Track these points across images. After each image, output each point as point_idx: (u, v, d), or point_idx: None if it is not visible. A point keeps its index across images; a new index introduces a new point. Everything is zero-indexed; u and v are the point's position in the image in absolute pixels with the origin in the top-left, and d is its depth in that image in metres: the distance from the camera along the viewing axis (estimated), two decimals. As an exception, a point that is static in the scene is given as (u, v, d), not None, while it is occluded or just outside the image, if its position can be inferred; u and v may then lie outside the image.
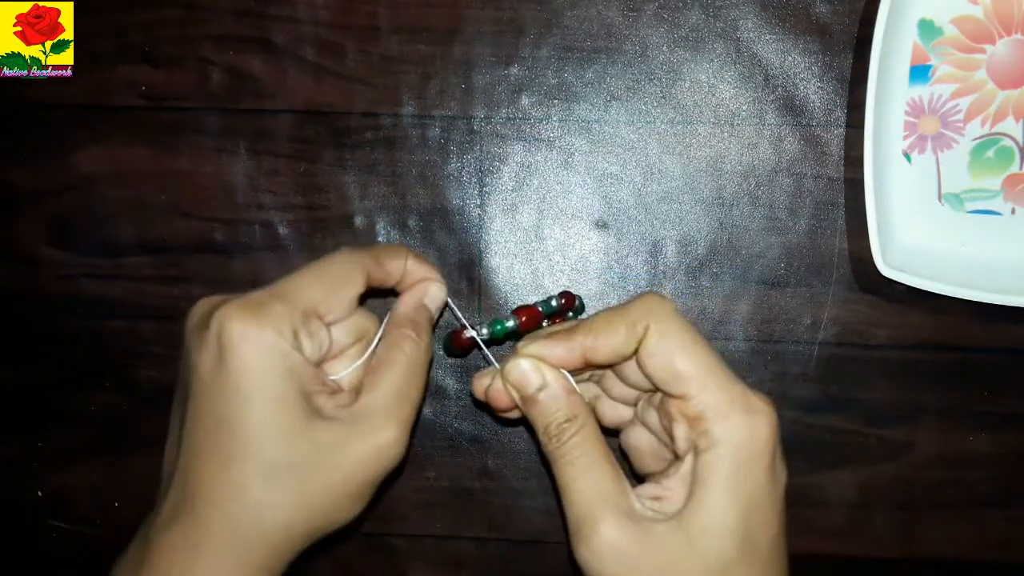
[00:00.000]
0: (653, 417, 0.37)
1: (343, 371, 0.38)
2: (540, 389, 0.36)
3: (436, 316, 0.40)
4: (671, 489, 0.34)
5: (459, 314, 0.41)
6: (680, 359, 0.34)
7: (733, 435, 0.33)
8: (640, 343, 0.34)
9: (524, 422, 0.38)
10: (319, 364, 0.37)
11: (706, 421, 0.33)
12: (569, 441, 0.35)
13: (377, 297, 0.41)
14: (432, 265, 0.40)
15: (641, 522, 0.33)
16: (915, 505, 0.47)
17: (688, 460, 0.34)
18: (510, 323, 0.41)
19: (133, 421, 0.48)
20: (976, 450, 0.47)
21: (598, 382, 0.40)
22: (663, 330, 0.34)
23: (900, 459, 0.47)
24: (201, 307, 0.36)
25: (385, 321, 0.39)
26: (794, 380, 0.47)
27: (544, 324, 0.42)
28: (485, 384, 0.38)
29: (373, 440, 0.35)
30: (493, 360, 0.39)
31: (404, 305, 0.39)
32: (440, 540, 0.48)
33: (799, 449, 0.47)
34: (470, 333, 0.41)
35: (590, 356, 0.36)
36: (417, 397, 0.37)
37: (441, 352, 0.47)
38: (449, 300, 0.41)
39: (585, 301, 0.46)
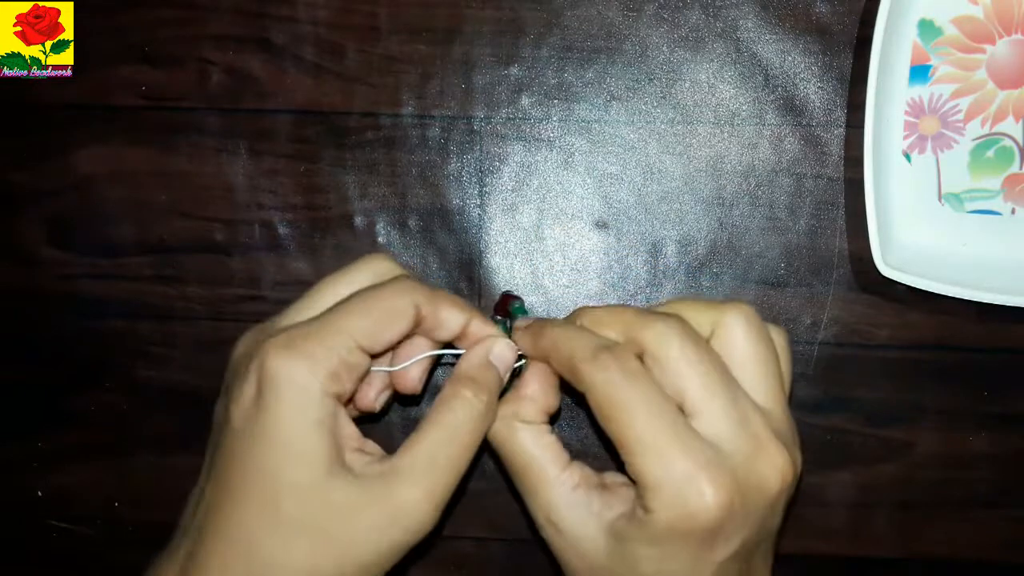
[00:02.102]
0: None
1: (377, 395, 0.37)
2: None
3: (505, 379, 0.37)
4: (619, 499, 0.34)
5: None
6: (623, 420, 0.32)
7: (664, 512, 0.31)
8: (586, 392, 0.33)
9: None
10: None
11: (642, 488, 0.31)
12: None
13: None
14: (496, 328, 0.37)
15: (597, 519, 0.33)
16: (915, 505, 0.47)
17: (631, 497, 0.33)
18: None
19: (133, 421, 0.48)
20: (976, 450, 0.47)
21: None
22: (612, 384, 0.32)
23: (900, 459, 0.47)
24: (247, 340, 0.35)
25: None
26: (794, 380, 0.47)
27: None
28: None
29: (390, 504, 0.32)
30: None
31: (466, 361, 0.36)
32: (440, 540, 0.48)
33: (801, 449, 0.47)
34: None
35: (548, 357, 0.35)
36: (457, 464, 0.34)
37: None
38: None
39: (584, 302, 0.46)
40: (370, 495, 0.32)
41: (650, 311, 0.34)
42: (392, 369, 0.37)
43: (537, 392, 0.35)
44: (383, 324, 0.34)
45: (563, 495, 0.34)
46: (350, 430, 0.34)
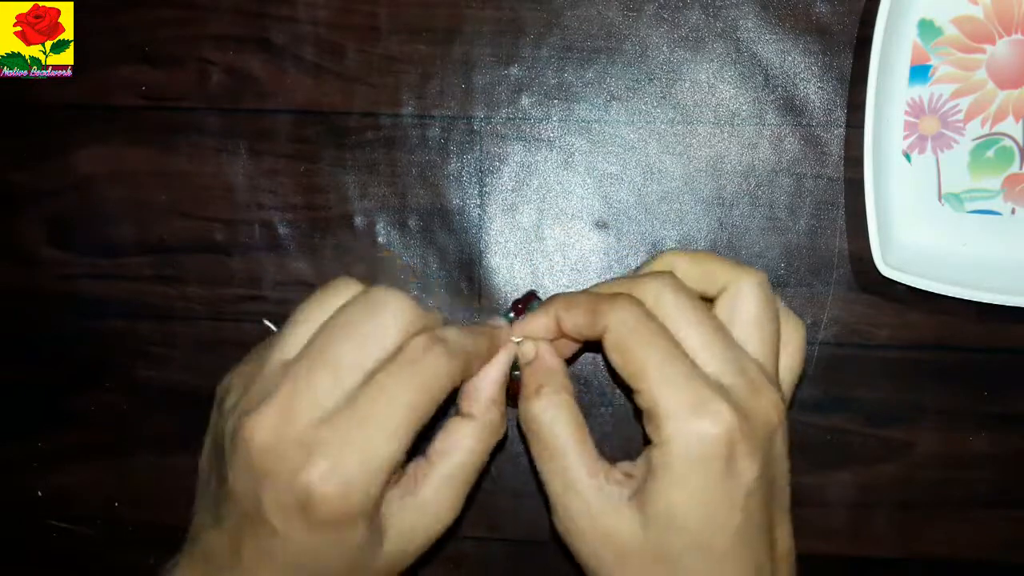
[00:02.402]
0: None
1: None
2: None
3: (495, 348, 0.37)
4: (638, 468, 0.34)
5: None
6: (636, 357, 0.33)
7: (679, 437, 0.32)
8: (604, 333, 0.34)
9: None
10: None
11: (656, 418, 0.33)
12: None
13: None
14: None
15: (610, 501, 0.34)
16: (915, 505, 0.47)
17: (645, 450, 0.34)
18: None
19: (133, 421, 0.48)
20: (976, 450, 0.47)
21: None
22: (624, 328, 0.34)
23: (900, 459, 0.47)
24: (228, 388, 0.35)
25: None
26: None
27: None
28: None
29: (391, 549, 0.34)
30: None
31: (481, 378, 0.36)
32: (440, 540, 0.48)
33: (799, 449, 0.46)
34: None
35: (562, 326, 0.36)
36: (457, 508, 0.35)
37: None
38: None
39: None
40: (377, 539, 0.33)
41: (644, 274, 0.36)
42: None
43: (554, 366, 0.37)
44: (430, 399, 0.33)
45: (593, 484, 0.34)
46: (392, 495, 0.34)
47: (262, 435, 0.31)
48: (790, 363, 0.37)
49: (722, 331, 0.34)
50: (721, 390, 0.33)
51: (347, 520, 0.31)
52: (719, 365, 0.33)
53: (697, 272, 0.36)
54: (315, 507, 0.30)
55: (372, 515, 0.32)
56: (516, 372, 0.37)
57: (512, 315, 0.39)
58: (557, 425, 0.35)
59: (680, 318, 0.34)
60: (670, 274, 0.36)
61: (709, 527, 0.33)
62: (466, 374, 0.34)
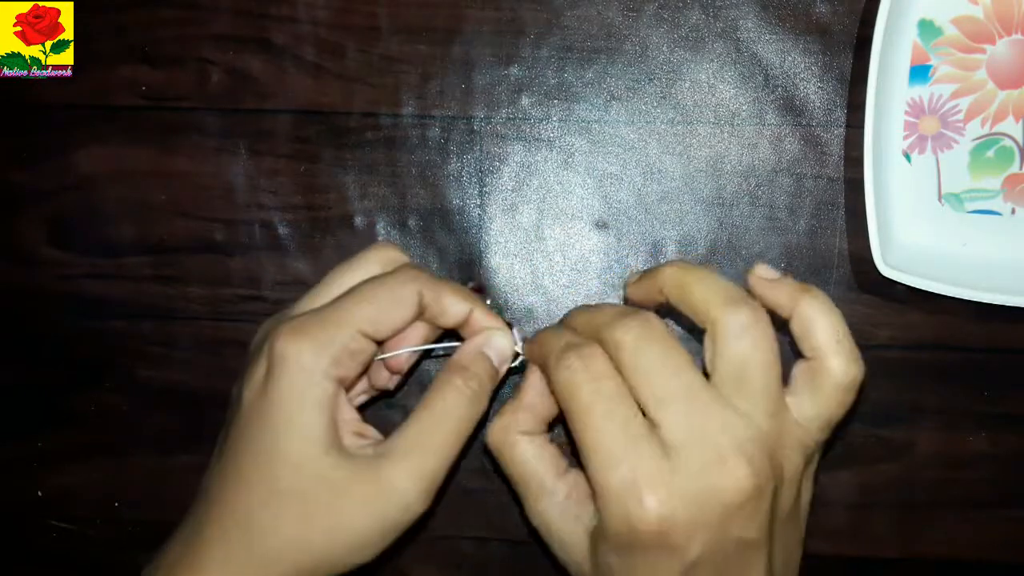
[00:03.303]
0: None
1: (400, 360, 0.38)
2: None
3: (502, 371, 0.37)
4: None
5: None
6: (579, 420, 0.32)
7: (611, 521, 0.31)
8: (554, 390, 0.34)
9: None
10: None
11: (593, 492, 0.32)
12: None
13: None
14: (499, 319, 0.38)
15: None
16: (915, 505, 0.47)
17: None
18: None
19: (133, 421, 0.48)
20: (976, 450, 0.47)
21: None
22: (572, 389, 0.32)
23: (900, 459, 0.47)
24: (264, 327, 0.37)
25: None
26: (794, 380, 0.47)
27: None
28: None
29: (378, 485, 0.34)
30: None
31: (461, 351, 0.37)
32: (440, 540, 0.48)
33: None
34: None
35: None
36: (446, 450, 0.35)
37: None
38: (519, 344, 0.38)
39: (584, 301, 0.46)
40: (361, 474, 0.34)
41: (627, 310, 0.34)
42: (386, 356, 0.38)
43: (535, 401, 0.36)
44: (387, 312, 0.35)
45: (554, 505, 0.35)
46: (350, 415, 0.35)
47: (259, 333, 0.36)
48: (817, 409, 0.33)
49: (692, 388, 0.31)
50: (668, 466, 0.30)
51: (300, 386, 0.33)
52: (677, 431, 0.31)
53: (682, 303, 0.34)
54: (275, 359, 0.33)
55: (327, 399, 0.34)
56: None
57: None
58: (520, 458, 0.35)
59: (639, 374, 0.31)
60: (645, 318, 0.33)
61: None
62: (428, 301, 0.36)
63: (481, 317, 0.37)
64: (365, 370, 0.37)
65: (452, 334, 0.38)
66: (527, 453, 0.35)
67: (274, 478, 0.33)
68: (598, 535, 0.33)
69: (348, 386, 0.36)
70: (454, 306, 0.37)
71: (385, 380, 0.39)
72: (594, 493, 0.32)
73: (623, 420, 0.31)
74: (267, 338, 0.34)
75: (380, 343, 0.36)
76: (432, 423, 0.35)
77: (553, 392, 0.34)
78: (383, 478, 0.34)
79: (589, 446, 0.31)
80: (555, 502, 0.35)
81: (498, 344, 0.37)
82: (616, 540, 0.31)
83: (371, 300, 0.35)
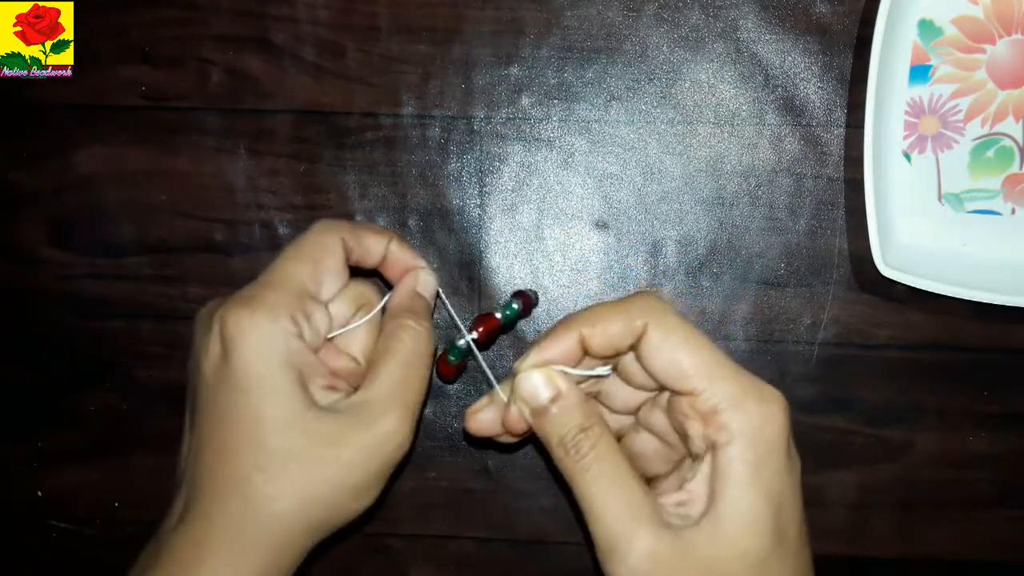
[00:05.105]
0: (659, 419, 0.36)
1: (354, 344, 0.38)
2: (553, 400, 0.34)
3: (432, 305, 0.40)
4: (693, 492, 0.33)
5: (451, 309, 0.42)
6: (685, 355, 0.33)
7: (749, 425, 0.32)
8: (639, 340, 0.34)
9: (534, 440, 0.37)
10: (323, 343, 0.37)
11: (720, 414, 0.32)
12: (589, 454, 0.33)
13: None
14: (414, 251, 0.41)
15: (674, 531, 0.32)
16: (915, 505, 0.47)
17: (707, 459, 0.33)
18: (472, 335, 0.41)
19: (133, 421, 0.48)
20: (976, 450, 0.47)
21: (596, 396, 0.39)
22: (664, 327, 0.33)
23: (900, 459, 0.47)
24: (205, 311, 0.37)
25: (387, 297, 0.40)
26: (794, 380, 0.47)
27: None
28: (482, 415, 0.37)
29: (373, 430, 0.35)
30: (490, 373, 0.39)
31: (398, 296, 0.40)
32: (440, 540, 0.48)
33: (799, 449, 0.47)
34: (465, 338, 0.41)
35: (589, 345, 0.35)
36: (419, 385, 0.37)
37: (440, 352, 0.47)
38: (440, 292, 0.41)
39: (584, 302, 0.46)
40: (353, 424, 0.35)
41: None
42: (342, 331, 0.38)
43: (579, 401, 0.35)
44: (320, 263, 0.37)
45: (659, 522, 0.33)
46: (317, 369, 0.36)
47: (201, 313, 0.37)
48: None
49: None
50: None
51: (263, 350, 0.34)
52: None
53: (603, 331, 0.35)
54: (230, 333, 0.34)
55: (292, 357, 0.35)
56: (452, 358, 0.40)
57: (512, 306, 0.41)
58: (600, 472, 0.33)
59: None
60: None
61: (784, 524, 0.32)
62: (351, 245, 0.38)
63: (400, 252, 0.40)
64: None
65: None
66: (610, 472, 0.34)
67: (263, 442, 0.34)
68: (724, 491, 0.33)
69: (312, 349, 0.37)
70: (375, 244, 0.39)
71: (344, 365, 0.39)
72: (722, 419, 0.33)
73: (718, 348, 0.34)
74: (215, 316, 0.35)
75: (326, 304, 0.38)
76: (402, 366, 0.36)
77: (636, 349, 0.35)
78: (376, 426, 0.35)
79: (710, 372, 0.33)
80: (659, 514, 0.34)
81: (425, 280, 0.40)
82: (756, 456, 0.32)
83: (299, 257, 0.37)
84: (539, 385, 0.35)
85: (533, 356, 0.35)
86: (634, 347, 0.34)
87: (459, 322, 0.41)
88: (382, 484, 0.36)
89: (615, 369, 0.37)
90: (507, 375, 0.37)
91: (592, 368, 0.36)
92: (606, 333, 0.34)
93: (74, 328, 0.48)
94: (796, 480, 0.34)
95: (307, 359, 0.36)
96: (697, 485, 0.33)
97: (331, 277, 0.38)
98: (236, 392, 0.34)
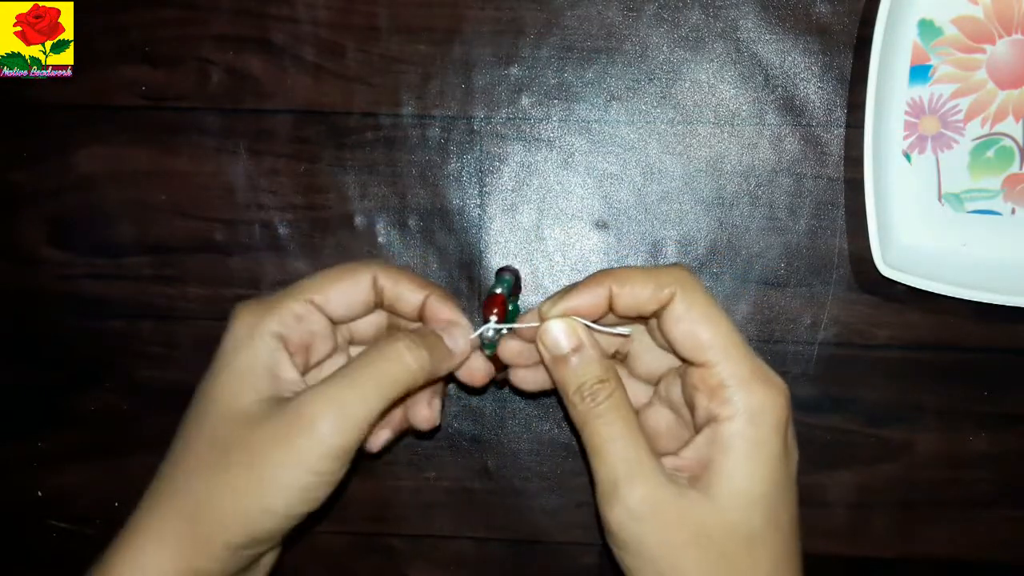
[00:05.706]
0: (677, 392, 0.37)
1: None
2: (575, 351, 0.36)
3: (455, 361, 0.38)
4: (689, 459, 0.34)
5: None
6: (704, 328, 0.34)
7: (752, 405, 0.33)
8: (664, 307, 0.35)
9: (530, 418, 0.37)
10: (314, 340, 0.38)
11: (727, 389, 0.34)
12: (604, 402, 0.35)
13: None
14: (458, 310, 0.39)
15: (675, 485, 0.33)
16: (915, 505, 0.47)
17: (707, 431, 0.34)
18: (493, 319, 0.39)
19: (133, 421, 0.48)
20: (976, 450, 0.47)
21: (624, 360, 0.40)
22: (690, 299, 0.34)
23: (900, 459, 0.47)
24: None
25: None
26: (794, 380, 0.47)
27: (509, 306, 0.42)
28: (515, 347, 0.39)
29: (295, 416, 0.34)
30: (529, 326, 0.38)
31: (422, 326, 0.39)
32: (440, 540, 0.48)
33: (799, 449, 0.47)
34: (488, 325, 0.39)
35: (615, 302, 0.35)
36: (367, 392, 0.34)
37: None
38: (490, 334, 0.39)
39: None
40: (283, 413, 0.34)
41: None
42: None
43: (598, 355, 0.36)
44: (338, 285, 0.38)
45: (659, 470, 0.35)
46: (293, 375, 0.36)
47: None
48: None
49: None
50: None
51: (242, 337, 0.36)
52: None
53: (631, 292, 0.35)
54: (230, 324, 0.36)
55: (266, 352, 0.36)
56: (488, 351, 0.39)
57: (499, 290, 0.40)
58: (613, 419, 0.35)
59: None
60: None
61: (777, 508, 0.33)
62: (383, 284, 0.39)
63: (436, 303, 0.38)
64: (335, 352, 0.39)
65: None
66: (619, 414, 0.36)
67: (212, 430, 0.35)
68: (721, 461, 0.34)
69: (309, 365, 0.38)
70: (406, 289, 0.38)
71: (423, 419, 0.40)
72: (726, 394, 0.34)
73: (737, 329, 0.35)
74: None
75: (336, 323, 0.38)
76: (361, 365, 0.35)
77: (658, 316, 0.36)
78: (301, 412, 0.34)
79: (725, 348, 0.35)
80: (658, 463, 0.35)
81: (455, 335, 0.38)
82: (755, 435, 0.34)
83: (324, 275, 0.38)
84: (562, 335, 0.36)
85: (561, 303, 0.36)
86: (657, 314, 0.35)
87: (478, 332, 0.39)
88: (319, 488, 0.34)
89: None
90: (530, 310, 0.38)
91: (613, 327, 0.37)
92: (634, 294, 0.35)
93: (74, 328, 0.48)
94: (792, 470, 0.35)
95: (283, 360, 0.36)
96: (695, 452, 0.34)
97: (347, 300, 0.38)
98: (208, 382, 0.36)
